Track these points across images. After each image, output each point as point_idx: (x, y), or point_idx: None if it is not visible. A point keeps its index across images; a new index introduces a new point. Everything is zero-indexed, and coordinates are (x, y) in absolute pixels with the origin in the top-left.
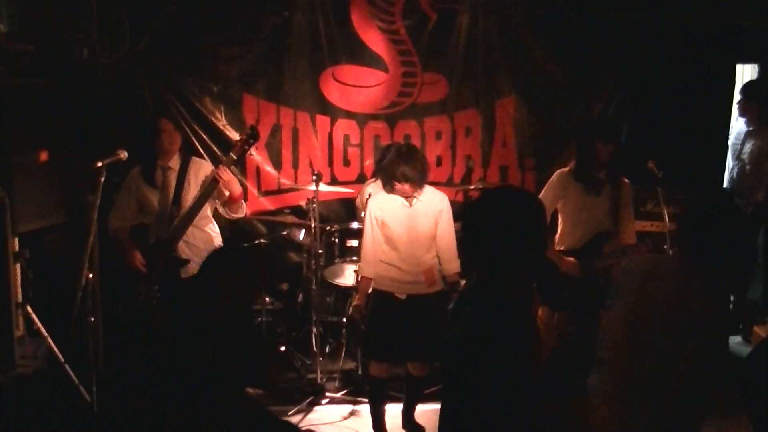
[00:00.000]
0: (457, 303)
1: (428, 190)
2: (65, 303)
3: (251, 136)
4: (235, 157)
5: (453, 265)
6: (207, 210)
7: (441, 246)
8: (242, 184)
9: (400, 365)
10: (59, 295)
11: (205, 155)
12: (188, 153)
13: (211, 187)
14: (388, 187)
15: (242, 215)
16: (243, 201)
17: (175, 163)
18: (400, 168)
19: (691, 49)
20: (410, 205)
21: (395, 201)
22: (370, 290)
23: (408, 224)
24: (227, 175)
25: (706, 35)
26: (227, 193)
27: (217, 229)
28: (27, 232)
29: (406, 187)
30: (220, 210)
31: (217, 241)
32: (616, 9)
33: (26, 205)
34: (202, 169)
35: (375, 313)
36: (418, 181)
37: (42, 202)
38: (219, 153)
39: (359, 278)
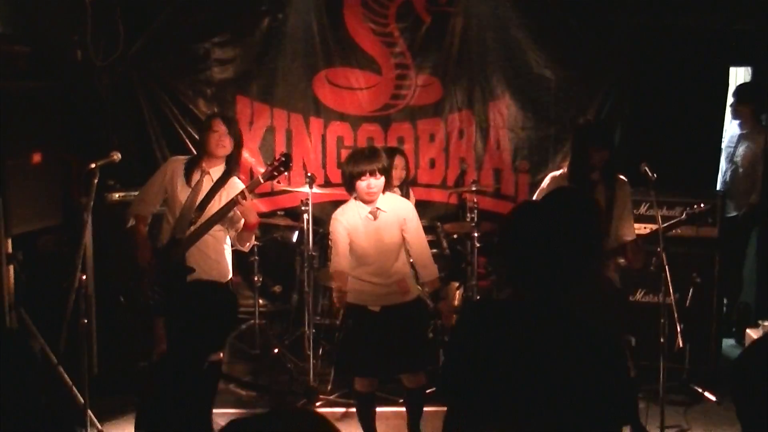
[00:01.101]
0: (474, 318)
1: (390, 197)
2: (59, 305)
3: (283, 164)
4: (262, 181)
5: (430, 270)
6: (225, 225)
7: (414, 253)
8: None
9: (388, 380)
10: (53, 297)
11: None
12: (231, 170)
13: (228, 207)
14: (353, 192)
15: (247, 249)
16: (254, 234)
17: (216, 171)
18: (360, 165)
19: (684, 52)
20: (375, 218)
21: (359, 217)
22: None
23: (375, 237)
24: (249, 201)
25: (700, 38)
26: (242, 221)
27: (230, 242)
28: (20, 234)
29: (371, 183)
30: (230, 237)
31: (228, 255)
32: (611, 12)
33: (20, 208)
34: (236, 189)
35: (350, 328)
36: (383, 172)
37: (36, 204)
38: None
39: (332, 272)
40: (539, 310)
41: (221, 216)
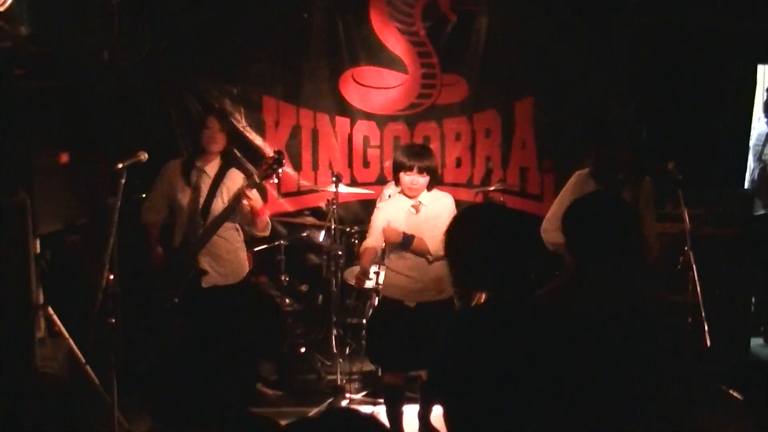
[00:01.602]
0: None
1: (435, 193)
2: (86, 304)
3: (276, 162)
4: (258, 181)
5: None
6: (234, 222)
7: None
8: (262, 189)
9: (415, 372)
10: (80, 297)
11: None
12: (228, 163)
13: (235, 203)
14: (397, 182)
15: (267, 233)
16: (268, 218)
17: (212, 169)
18: (410, 159)
19: (712, 50)
20: (416, 212)
21: (401, 210)
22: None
23: (415, 231)
24: (253, 195)
25: (728, 37)
26: (250, 211)
27: (242, 238)
28: (47, 233)
29: (415, 179)
30: (246, 229)
31: (243, 253)
32: (637, 13)
33: (47, 207)
34: (236, 181)
35: (384, 321)
36: (429, 172)
37: (62, 204)
38: (239, 155)
39: (362, 249)
40: (517, 310)
41: (229, 213)
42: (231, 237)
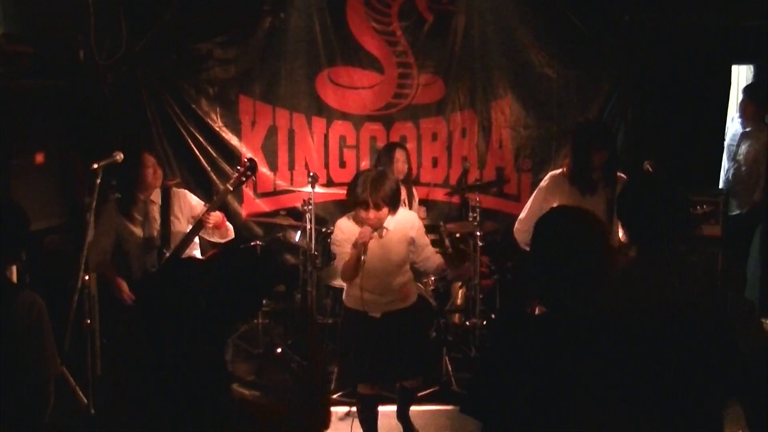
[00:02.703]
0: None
1: (398, 214)
2: (64, 305)
3: (249, 169)
4: (231, 189)
5: (437, 262)
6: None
7: (421, 265)
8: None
9: (389, 386)
10: (58, 297)
11: (201, 157)
12: (165, 185)
13: (197, 228)
14: (354, 214)
15: (232, 237)
16: (228, 225)
17: (156, 196)
18: (364, 196)
19: (687, 49)
20: (381, 236)
21: None
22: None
23: (381, 255)
24: (213, 218)
25: (702, 36)
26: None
27: (199, 254)
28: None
29: (371, 215)
30: (207, 238)
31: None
32: (613, 10)
33: (24, 207)
34: (185, 200)
35: (350, 334)
36: (389, 205)
37: (40, 204)
38: (215, 155)
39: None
40: (581, 320)
41: (191, 237)
42: (193, 254)
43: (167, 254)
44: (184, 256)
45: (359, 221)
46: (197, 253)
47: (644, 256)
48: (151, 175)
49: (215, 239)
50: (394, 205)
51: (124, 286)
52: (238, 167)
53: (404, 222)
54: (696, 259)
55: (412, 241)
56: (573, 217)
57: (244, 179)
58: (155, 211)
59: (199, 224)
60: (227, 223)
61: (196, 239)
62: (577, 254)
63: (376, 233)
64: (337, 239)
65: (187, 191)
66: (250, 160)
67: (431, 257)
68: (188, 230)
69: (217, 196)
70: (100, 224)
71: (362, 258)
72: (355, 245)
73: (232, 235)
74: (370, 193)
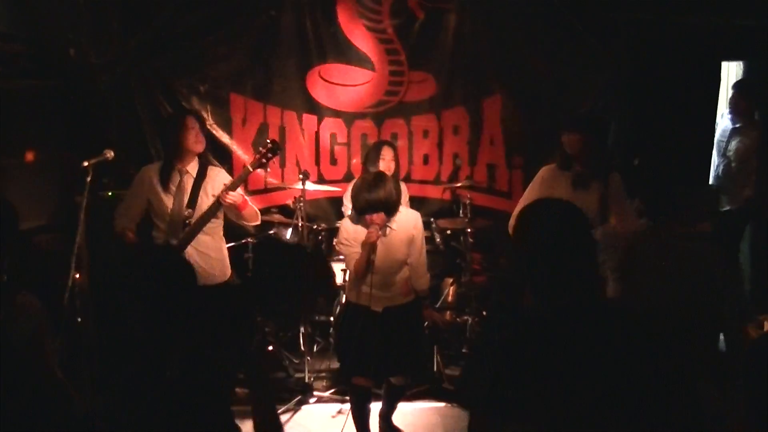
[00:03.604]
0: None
1: (401, 210)
2: (56, 304)
3: (271, 150)
4: (251, 169)
5: (423, 280)
6: (219, 217)
7: (412, 264)
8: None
9: (382, 380)
10: (50, 296)
11: None
12: (207, 161)
13: (215, 208)
14: (358, 219)
15: (258, 222)
16: (254, 208)
17: (193, 168)
18: (367, 199)
19: (677, 47)
20: (385, 235)
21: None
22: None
23: (384, 253)
24: (232, 198)
25: (693, 34)
26: (234, 207)
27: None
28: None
29: (375, 218)
30: (235, 220)
31: (226, 250)
32: (605, 8)
33: (17, 206)
34: (218, 177)
35: (351, 327)
36: (388, 211)
37: (33, 203)
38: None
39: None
40: (579, 311)
41: (211, 214)
42: (217, 232)
43: (189, 227)
44: (205, 230)
45: (363, 222)
46: (224, 244)
47: (658, 234)
48: (192, 140)
49: (242, 222)
50: (393, 208)
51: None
52: (261, 148)
53: (407, 221)
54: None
55: (412, 239)
56: (554, 209)
57: (265, 160)
58: (188, 183)
59: (217, 203)
60: (252, 206)
61: (221, 222)
62: (557, 246)
63: (381, 231)
64: (345, 239)
65: (224, 171)
66: (273, 141)
67: (419, 269)
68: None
69: (237, 176)
70: (134, 187)
71: (372, 258)
72: (363, 246)
73: (258, 218)
74: (368, 200)
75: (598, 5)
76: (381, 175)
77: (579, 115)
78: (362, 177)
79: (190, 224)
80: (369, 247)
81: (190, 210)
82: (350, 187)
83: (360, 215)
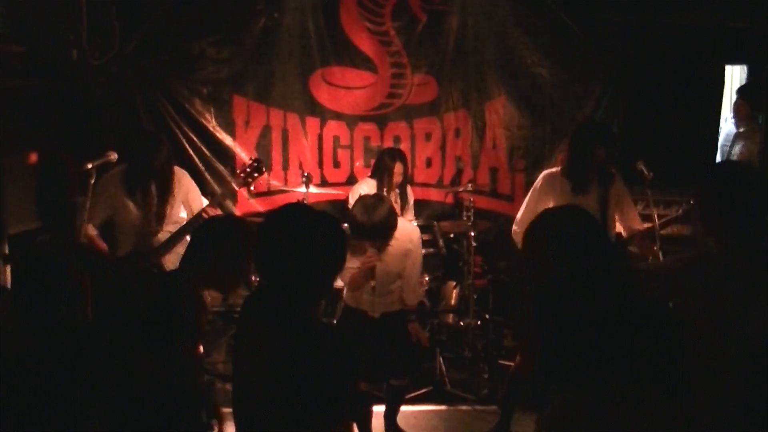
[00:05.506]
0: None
1: (399, 225)
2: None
3: (256, 170)
4: (237, 188)
5: (412, 296)
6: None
7: (403, 279)
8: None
9: (382, 383)
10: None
11: (195, 157)
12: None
13: (194, 222)
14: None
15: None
16: None
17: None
18: (363, 225)
19: (680, 50)
20: (382, 251)
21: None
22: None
23: (381, 267)
24: (213, 212)
25: (696, 37)
26: None
27: None
28: (16, 234)
29: (371, 250)
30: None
31: None
32: (607, 10)
33: (15, 207)
34: (182, 180)
35: (348, 332)
36: (383, 238)
37: (31, 204)
38: (209, 155)
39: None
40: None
41: (187, 231)
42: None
43: (159, 236)
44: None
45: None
46: None
47: (725, 248)
48: (163, 159)
49: None
50: (387, 236)
51: (112, 257)
52: (245, 167)
53: (403, 237)
54: None
55: (408, 253)
56: (569, 216)
57: (250, 180)
58: (154, 188)
59: (198, 218)
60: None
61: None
62: (575, 254)
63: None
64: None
65: (185, 172)
66: (257, 160)
67: (410, 282)
68: (182, 219)
69: (219, 196)
70: (98, 195)
71: (372, 283)
72: (362, 270)
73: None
74: (366, 231)
75: (598, 7)
76: (379, 202)
77: (608, 129)
78: (362, 200)
79: (157, 232)
80: (368, 272)
81: (159, 219)
82: (354, 189)
83: (356, 239)
